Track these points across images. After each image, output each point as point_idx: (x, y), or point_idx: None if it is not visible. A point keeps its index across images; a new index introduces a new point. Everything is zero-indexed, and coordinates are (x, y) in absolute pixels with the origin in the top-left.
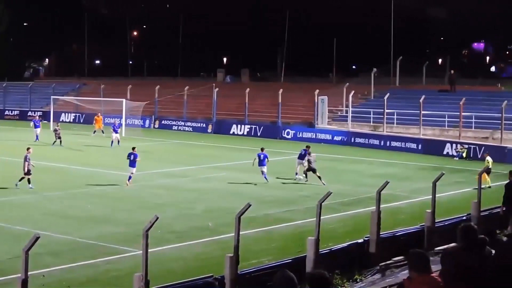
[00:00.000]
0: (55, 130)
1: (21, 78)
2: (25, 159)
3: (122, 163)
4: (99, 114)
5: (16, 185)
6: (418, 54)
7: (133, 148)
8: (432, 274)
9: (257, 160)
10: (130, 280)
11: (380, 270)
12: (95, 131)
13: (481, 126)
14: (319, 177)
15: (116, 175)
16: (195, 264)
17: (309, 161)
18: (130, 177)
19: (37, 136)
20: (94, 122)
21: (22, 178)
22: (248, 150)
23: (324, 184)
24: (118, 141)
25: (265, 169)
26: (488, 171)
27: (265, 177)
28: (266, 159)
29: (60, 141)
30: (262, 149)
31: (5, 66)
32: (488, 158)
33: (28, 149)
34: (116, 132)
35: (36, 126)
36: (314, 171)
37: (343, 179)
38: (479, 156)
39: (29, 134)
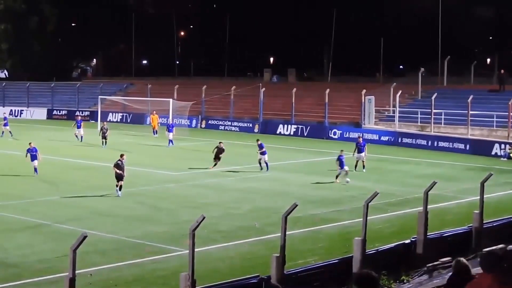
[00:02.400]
0: (101, 129)
1: (69, 78)
2: (117, 166)
3: (169, 162)
4: (154, 112)
5: (119, 195)
6: (466, 54)
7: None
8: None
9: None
10: (177, 280)
11: (427, 271)
12: (155, 131)
13: None
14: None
15: (162, 174)
16: (242, 264)
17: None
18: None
19: (81, 137)
20: (150, 120)
21: (121, 185)
22: (294, 150)
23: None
24: (172, 142)
25: (266, 157)
26: None
27: (267, 166)
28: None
29: (106, 142)
30: (258, 140)
31: (53, 66)
32: None
33: (122, 155)
34: (171, 131)
35: (78, 127)
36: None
37: (390, 179)
38: None
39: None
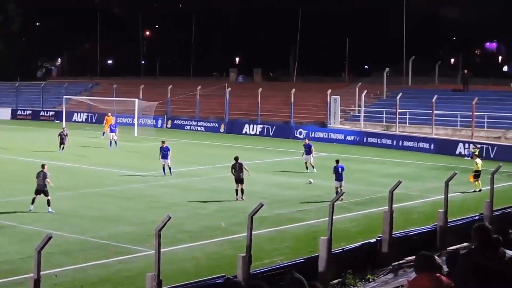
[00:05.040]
0: (59, 134)
1: (34, 78)
2: (43, 176)
3: (135, 162)
4: (109, 113)
5: (30, 210)
6: (431, 54)
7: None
8: (438, 274)
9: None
10: (143, 280)
11: (392, 270)
12: (104, 133)
13: (494, 125)
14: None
15: (127, 174)
16: (208, 264)
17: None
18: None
19: None
20: (105, 122)
21: (34, 199)
22: (260, 150)
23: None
24: (116, 142)
25: (169, 161)
26: (476, 174)
27: (170, 171)
28: (168, 152)
29: (63, 147)
30: (163, 142)
31: (18, 66)
32: (477, 161)
33: (43, 166)
34: (113, 132)
35: None
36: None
37: (356, 178)
38: (491, 156)
39: (41, 135)
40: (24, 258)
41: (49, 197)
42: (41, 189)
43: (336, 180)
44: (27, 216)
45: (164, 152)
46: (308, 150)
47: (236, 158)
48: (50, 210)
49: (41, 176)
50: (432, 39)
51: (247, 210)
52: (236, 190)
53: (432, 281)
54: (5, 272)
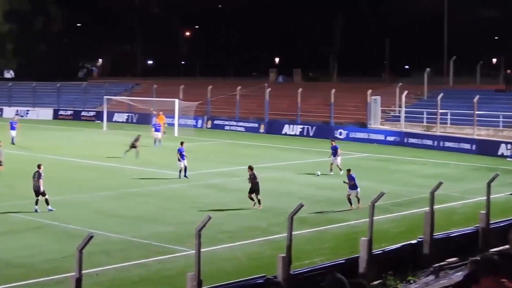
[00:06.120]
0: (136, 139)
1: (75, 78)
2: (38, 177)
3: (174, 162)
4: (160, 112)
5: (36, 210)
6: (472, 54)
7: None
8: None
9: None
10: (182, 280)
11: (433, 271)
12: (164, 132)
13: None
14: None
15: (167, 174)
16: (248, 264)
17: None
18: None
19: (12, 138)
20: (157, 120)
21: (38, 200)
22: (300, 150)
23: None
24: (160, 141)
25: (185, 163)
26: None
27: (185, 173)
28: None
29: (127, 151)
30: (182, 143)
31: (59, 66)
32: None
33: (39, 166)
34: (158, 131)
35: (12, 128)
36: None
37: (396, 179)
38: None
39: (81, 135)
40: (66, 257)
41: (46, 197)
42: (37, 190)
43: (350, 189)
44: (68, 215)
45: (182, 153)
46: (334, 152)
47: (251, 167)
48: (50, 208)
49: (36, 176)
50: (474, 39)
51: (287, 210)
52: (251, 198)
53: (498, 286)
54: (47, 270)
